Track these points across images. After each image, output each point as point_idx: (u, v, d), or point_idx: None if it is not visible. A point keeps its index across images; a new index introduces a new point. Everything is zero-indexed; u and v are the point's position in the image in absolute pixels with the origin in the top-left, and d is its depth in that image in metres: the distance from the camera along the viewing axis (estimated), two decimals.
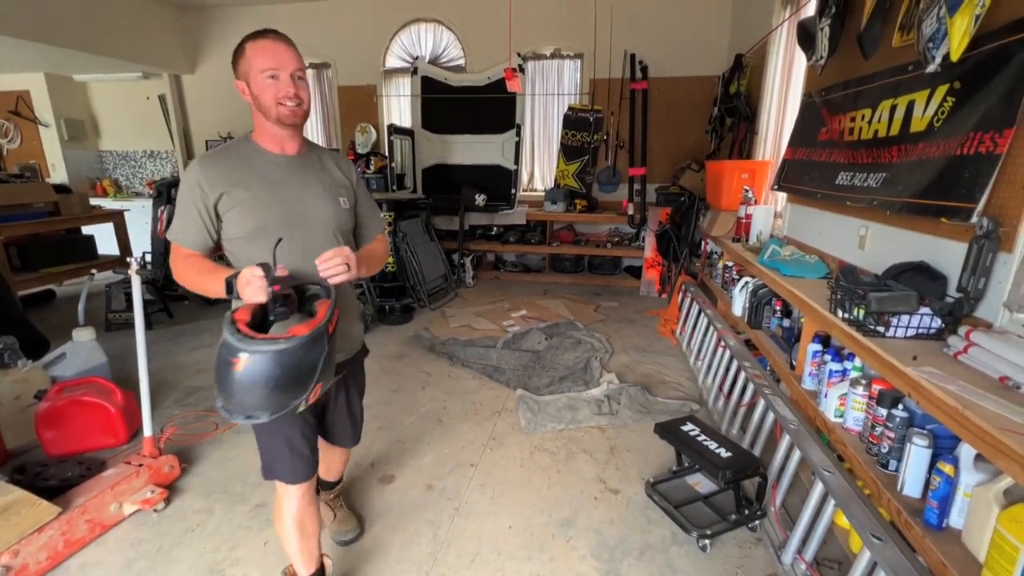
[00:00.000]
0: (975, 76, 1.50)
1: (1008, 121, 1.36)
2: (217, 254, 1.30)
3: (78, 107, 6.51)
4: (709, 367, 2.88)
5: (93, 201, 5.16)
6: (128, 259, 1.84)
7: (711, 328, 3.00)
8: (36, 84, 6.08)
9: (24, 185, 4.23)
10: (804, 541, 1.62)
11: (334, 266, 1.14)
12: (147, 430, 2.00)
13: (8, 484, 1.58)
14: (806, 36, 2.60)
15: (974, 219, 1.43)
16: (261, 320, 1.08)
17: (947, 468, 1.25)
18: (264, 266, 1.05)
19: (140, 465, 1.95)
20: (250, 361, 0.94)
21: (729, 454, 1.76)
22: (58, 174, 6.35)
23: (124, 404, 2.34)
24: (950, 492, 1.25)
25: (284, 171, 1.27)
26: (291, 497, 1.35)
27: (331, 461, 1.77)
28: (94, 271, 3.14)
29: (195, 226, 1.22)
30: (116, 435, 2.30)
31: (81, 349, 2.57)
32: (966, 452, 1.22)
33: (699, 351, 3.16)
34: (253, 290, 1.04)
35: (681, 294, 3.95)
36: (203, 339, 3.80)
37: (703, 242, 4.21)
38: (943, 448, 1.34)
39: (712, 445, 1.82)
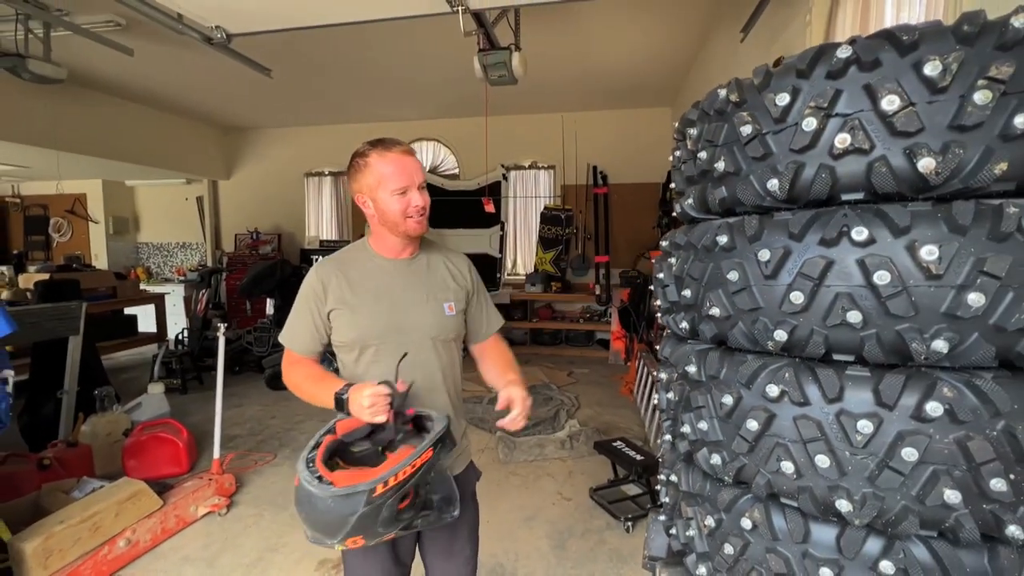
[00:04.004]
0: None
1: None
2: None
3: (125, 206, 7.58)
4: (652, 412, 3.59)
5: None
6: (218, 324, 2.62)
7: (652, 381, 3.75)
8: (93, 188, 7.17)
9: (95, 272, 5.07)
10: None
11: (520, 420, 1.15)
12: (216, 453, 2.66)
13: (135, 479, 2.24)
14: None
15: None
16: (369, 434, 1.06)
17: None
18: (386, 383, 1.02)
19: (210, 479, 2.59)
20: (298, 483, 0.95)
21: (642, 457, 2.46)
22: (100, 263, 7.23)
23: (187, 441, 2.99)
24: None
25: (391, 276, 1.23)
26: None
27: None
28: (167, 340, 3.87)
29: (307, 331, 1.21)
30: (180, 465, 2.93)
31: (153, 400, 3.25)
32: None
33: (646, 403, 3.88)
34: (375, 411, 1.01)
35: (637, 360, 4.72)
36: (231, 401, 4.44)
37: (656, 316, 5.06)
38: None
39: (632, 453, 2.52)
